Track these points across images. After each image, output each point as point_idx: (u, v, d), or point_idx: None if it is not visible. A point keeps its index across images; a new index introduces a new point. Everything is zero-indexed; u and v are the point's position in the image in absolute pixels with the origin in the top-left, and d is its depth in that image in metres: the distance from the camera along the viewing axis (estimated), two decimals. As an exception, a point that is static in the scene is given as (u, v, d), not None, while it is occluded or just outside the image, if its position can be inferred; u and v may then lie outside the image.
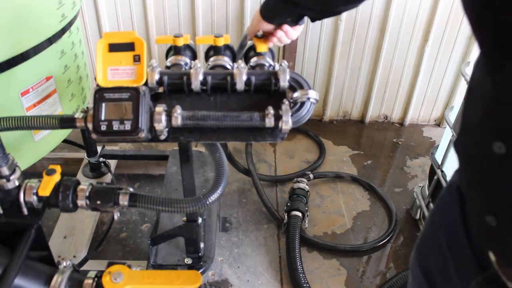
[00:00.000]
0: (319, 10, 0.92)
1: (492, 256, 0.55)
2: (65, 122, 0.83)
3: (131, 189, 0.85)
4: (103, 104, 0.78)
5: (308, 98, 0.82)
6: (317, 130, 2.50)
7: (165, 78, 0.82)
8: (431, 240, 0.74)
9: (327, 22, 2.24)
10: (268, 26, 0.98)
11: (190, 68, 0.85)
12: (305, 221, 1.80)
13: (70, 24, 1.24)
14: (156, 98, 0.84)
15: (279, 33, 0.99)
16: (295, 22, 0.97)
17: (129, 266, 0.88)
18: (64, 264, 0.85)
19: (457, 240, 0.64)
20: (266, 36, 1.01)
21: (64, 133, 1.33)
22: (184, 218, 1.35)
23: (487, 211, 0.52)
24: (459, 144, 0.61)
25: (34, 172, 1.77)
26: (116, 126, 0.77)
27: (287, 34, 0.99)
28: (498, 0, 0.44)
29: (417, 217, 1.88)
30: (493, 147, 0.48)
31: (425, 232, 0.78)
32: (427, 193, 1.77)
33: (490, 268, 0.56)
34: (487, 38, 0.50)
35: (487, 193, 0.54)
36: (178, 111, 0.78)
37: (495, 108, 0.49)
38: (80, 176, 1.91)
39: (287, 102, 0.80)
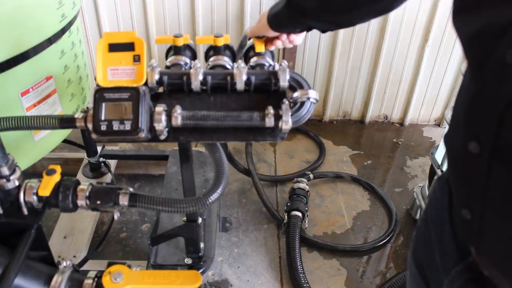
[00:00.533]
0: (336, 22, 0.88)
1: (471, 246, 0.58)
2: (65, 122, 0.83)
3: (131, 189, 0.85)
4: (103, 104, 0.78)
5: (308, 98, 0.82)
6: (317, 130, 2.50)
7: (165, 78, 0.82)
8: (423, 233, 0.76)
9: (327, 22, 2.23)
10: (274, 34, 0.96)
11: (190, 68, 0.85)
12: (305, 221, 1.80)
13: (70, 24, 1.24)
14: (156, 98, 0.84)
15: (284, 36, 0.97)
16: (303, 31, 0.95)
17: (129, 266, 0.88)
18: (64, 264, 0.85)
19: (443, 230, 0.66)
20: (267, 38, 1.01)
21: (64, 133, 1.33)
22: (184, 218, 1.35)
23: (463, 205, 0.56)
24: (446, 137, 0.64)
25: (34, 172, 1.77)
26: (116, 126, 0.77)
27: (293, 41, 0.98)
28: (471, 6, 0.48)
29: (417, 217, 1.88)
30: (469, 146, 0.50)
31: (418, 225, 0.80)
32: (427, 193, 1.76)
33: (469, 257, 0.59)
34: (465, 43, 0.52)
35: (463, 188, 0.56)
36: (178, 111, 0.78)
37: (472, 109, 0.51)
38: (80, 176, 1.91)
39: (287, 102, 0.80)
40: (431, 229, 0.71)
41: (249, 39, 1.03)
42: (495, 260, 0.54)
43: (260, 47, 0.99)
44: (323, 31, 0.92)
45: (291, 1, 0.85)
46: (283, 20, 0.91)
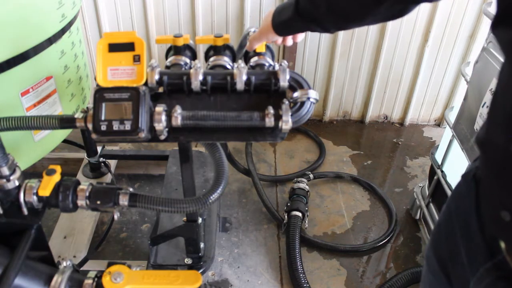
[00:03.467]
0: (346, 28, 0.86)
1: (502, 244, 0.58)
2: (65, 122, 0.83)
3: (131, 189, 0.85)
4: (103, 104, 0.78)
5: (308, 98, 0.82)
6: (317, 130, 2.50)
7: (165, 78, 0.82)
8: (446, 227, 0.76)
9: (327, 22, 2.24)
10: (278, 38, 0.94)
11: (190, 68, 0.85)
12: (305, 221, 1.80)
13: (70, 24, 1.24)
14: (156, 98, 0.84)
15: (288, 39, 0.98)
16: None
17: (129, 266, 0.88)
18: (64, 264, 0.85)
19: (470, 227, 0.66)
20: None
21: (64, 133, 1.33)
22: (184, 218, 1.35)
23: (503, 206, 0.54)
24: (481, 138, 0.63)
25: (34, 172, 1.77)
26: (116, 126, 0.77)
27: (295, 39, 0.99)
28: None
29: (417, 217, 1.88)
30: (511, 149, 0.49)
31: (440, 220, 0.80)
32: (427, 193, 1.76)
33: (499, 255, 0.59)
34: (508, 50, 0.51)
35: (503, 189, 0.55)
36: (178, 111, 0.78)
37: None
38: (80, 176, 1.91)
39: (287, 102, 0.80)
40: (455, 223, 0.71)
41: (251, 48, 1.02)
42: None
43: (260, 47, 0.99)
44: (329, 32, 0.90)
45: (300, 11, 0.82)
46: (292, 27, 0.89)
